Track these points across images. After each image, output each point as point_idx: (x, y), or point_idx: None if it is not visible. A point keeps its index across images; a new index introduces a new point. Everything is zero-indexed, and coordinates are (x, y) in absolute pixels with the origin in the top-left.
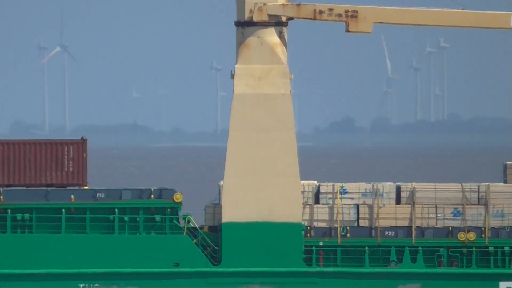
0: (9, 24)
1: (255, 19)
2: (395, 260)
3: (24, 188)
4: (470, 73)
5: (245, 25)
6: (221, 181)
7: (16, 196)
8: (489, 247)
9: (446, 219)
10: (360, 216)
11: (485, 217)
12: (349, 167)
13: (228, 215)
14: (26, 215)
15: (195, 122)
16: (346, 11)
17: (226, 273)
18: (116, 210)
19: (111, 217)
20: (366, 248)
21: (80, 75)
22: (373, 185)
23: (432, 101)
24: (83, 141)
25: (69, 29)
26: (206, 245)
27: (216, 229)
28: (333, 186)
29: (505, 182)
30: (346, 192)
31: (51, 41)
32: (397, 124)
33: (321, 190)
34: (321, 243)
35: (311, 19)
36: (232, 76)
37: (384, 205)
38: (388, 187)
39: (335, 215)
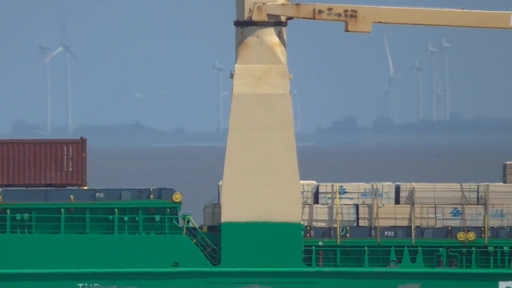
0: (11, 24)
1: (254, 18)
2: (395, 260)
3: (24, 188)
4: (472, 73)
5: (245, 25)
6: (221, 181)
7: (16, 196)
8: (489, 247)
9: (446, 219)
10: (360, 216)
11: (484, 217)
12: (351, 167)
13: (228, 215)
14: (26, 215)
15: (197, 122)
16: (346, 11)
17: (225, 273)
18: (116, 210)
19: (110, 217)
20: (366, 248)
21: (82, 75)
22: (372, 185)
23: (434, 101)
24: (82, 141)
25: (71, 29)
26: (206, 245)
27: (215, 229)
28: (332, 186)
29: (505, 182)
30: (346, 192)
31: (53, 41)
32: (399, 124)
33: (320, 190)
34: (320, 243)
35: (310, 18)
36: (232, 76)
37: (383, 205)
38: (387, 187)
39: (334, 215)
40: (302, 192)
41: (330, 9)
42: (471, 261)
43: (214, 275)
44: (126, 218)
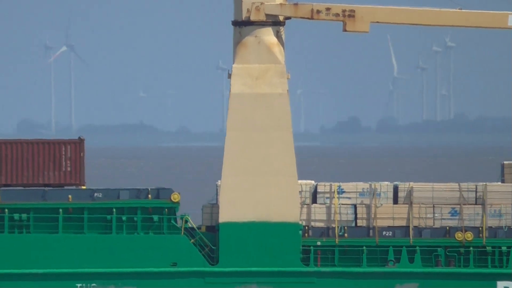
0: (15, 24)
1: (252, 18)
2: (393, 259)
3: (22, 188)
4: (477, 73)
5: (243, 25)
6: (219, 181)
7: (14, 196)
8: (487, 247)
9: (444, 219)
10: (358, 216)
11: (482, 216)
12: (351, 167)
13: (226, 215)
14: (24, 215)
15: (201, 122)
16: (344, 11)
17: (223, 273)
18: (114, 210)
19: (108, 217)
20: (364, 248)
21: (86, 75)
22: (370, 185)
23: (438, 101)
24: (80, 141)
25: (76, 28)
26: (204, 245)
27: (213, 229)
28: (331, 185)
29: (503, 181)
30: (344, 192)
31: (57, 41)
32: (403, 124)
33: (319, 189)
34: (318, 243)
35: (308, 18)
36: (230, 76)
37: (381, 205)
38: (385, 186)
39: (332, 215)
40: (300, 192)
41: (328, 9)
42: (469, 261)
43: (212, 275)
44: (124, 218)
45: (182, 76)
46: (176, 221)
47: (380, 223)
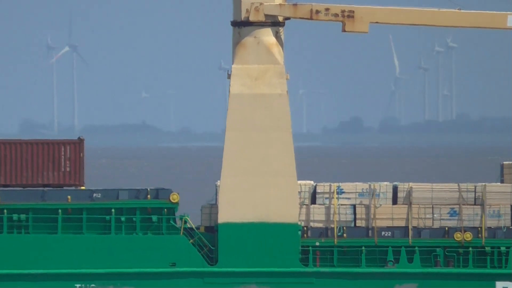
0: (18, 24)
1: (251, 19)
2: (392, 260)
3: (21, 188)
4: (479, 73)
5: (242, 25)
6: (218, 181)
7: (13, 196)
8: (486, 247)
9: (443, 219)
10: (357, 216)
11: (481, 217)
12: (352, 167)
13: (225, 215)
14: (23, 216)
15: (203, 122)
16: (343, 11)
17: (222, 273)
18: (113, 210)
19: (107, 217)
20: (363, 248)
21: (88, 75)
22: (369, 185)
23: (440, 101)
24: (80, 141)
25: (78, 29)
26: (203, 245)
27: (212, 229)
28: (330, 186)
29: (502, 182)
30: (343, 192)
31: (59, 41)
32: (405, 124)
33: (318, 190)
34: (317, 243)
35: (307, 19)
36: (229, 76)
37: (380, 205)
38: (384, 187)
39: (331, 215)
40: (300, 192)
41: (327, 9)
42: (468, 261)
43: (211, 275)
44: (123, 219)
45: (184, 76)
46: (175, 222)
47: (379, 223)
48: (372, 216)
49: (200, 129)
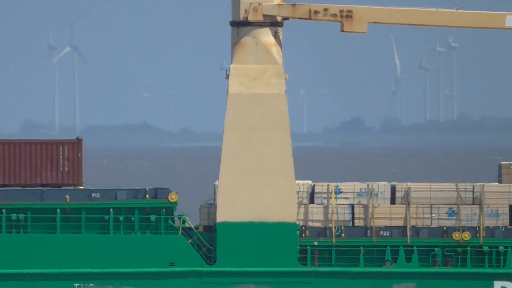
0: (19, 24)
1: (250, 19)
2: (390, 259)
3: (19, 188)
4: (480, 73)
5: (240, 25)
6: (217, 181)
7: (11, 196)
8: (484, 247)
9: (441, 219)
10: (355, 216)
11: (479, 217)
12: (355, 167)
13: (223, 215)
14: (21, 215)
15: (204, 122)
16: (341, 11)
17: (221, 273)
18: (111, 210)
19: (106, 217)
20: (361, 247)
21: (90, 75)
22: (368, 185)
23: (441, 101)
24: (78, 141)
25: (79, 29)
26: (201, 244)
27: (211, 229)
28: (328, 186)
29: (500, 182)
30: (341, 192)
31: (61, 41)
32: (406, 124)
33: (316, 190)
34: (316, 243)
35: (306, 19)
36: (227, 76)
37: (379, 205)
38: (383, 186)
39: (330, 215)
40: (298, 192)
41: (326, 9)
42: (466, 261)
43: (210, 275)
44: (121, 218)
45: (185, 76)
46: (173, 221)
47: (377, 223)
48: (370, 216)
49: (201, 129)
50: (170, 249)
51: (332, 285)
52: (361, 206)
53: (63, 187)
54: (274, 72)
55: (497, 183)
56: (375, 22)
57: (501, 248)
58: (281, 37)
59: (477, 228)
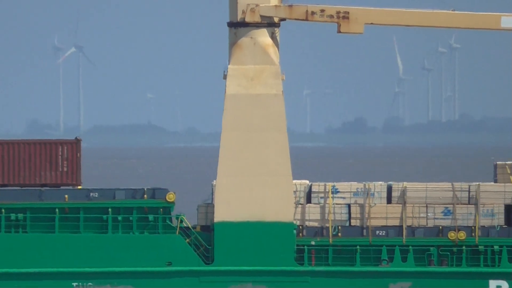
0: (25, 25)
1: (247, 20)
2: (386, 259)
3: (18, 188)
4: (482, 74)
5: (238, 26)
6: (214, 181)
7: (10, 195)
8: (479, 246)
9: (437, 218)
10: (352, 215)
11: (475, 216)
12: (356, 167)
13: (221, 214)
14: (20, 215)
15: (209, 122)
16: (338, 12)
17: (218, 272)
18: (110, 209)
19: (104, 216)
20: (358, 247)
21: (94, 76)
22: (364, 185)
23: (443, 102)
24: (77, 141)
25: (84, 30)
26: (199, 244)
27: (208, 229)
28: (325, 185)
29: (496, 181)
30: (338, 192)
31: (66, 42)
32: (409, 125)
33: (313, 189)
34: (312, 243)
35: (303, 20)
36: (225, 77)
37: (375, 204)
38: (379, 186)
39: (326, 215)
40: (295, 192)
41: (322, 10)
42: (461, 260)
43: (207, 274)
44: (120, 218)
45: (190, 76)
46: (171, 221)
47: (373, 222)
48: (366, 216)
49: (206, 129)
50: (168, 249)
51: (328, 285)
52: (357, 205)
53: (62, 187)
54: (271, 72)
55: (493, 183)
56: (372, 23)
57: (496, 247)
58: (278, 37)
59: (473, 227)
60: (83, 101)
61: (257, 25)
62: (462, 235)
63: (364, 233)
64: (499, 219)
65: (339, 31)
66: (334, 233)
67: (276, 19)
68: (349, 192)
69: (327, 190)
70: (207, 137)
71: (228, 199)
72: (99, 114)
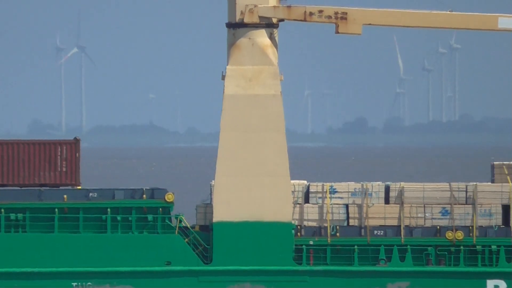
0: (27, 25)
1: (246, 20)
2: (384, 258)
3: (18, 188)
4: (482, 74)
5: (236, 27)
6: (213, 181)
7: (10, 196)
8: (477, 246)
9: (434, 218)
10: (350, 215)
11: (472, 216)
12: (356, 167)
13: (219, 214)
14: (20, 215)
15: (209, 122)
16: (336, 13)
17: (217, 272)
18: (109, 209)
19: (103, 216)
20: (356, 247)
21: (96, 76)
22: (362, 185)
23: (444, 102)
24: (76, 141)
25: (87, 30)
26: (198, 244)
27: (207, 229)
28: (323, 185)
29: (493, 181)
30: (336, 192)
31: (68, 42)
32: (409, 125)
33: (311, 189)
34: (311, 242)
35: (301, 20)
36: (223, 77)
37: (373, 204)
38: (377, 186)
39: (324, 215)
40: (293, 192)
41: (320, 11)
42: (459, 260)
43: (206, 274)
44: (119, 218)
45: (191, 77)
46: (170, 221)
47: (371, 222)
48: (364, 215)
49: (207, 130)
50: (167, 248)
51: (327, 284)
52: (355, 205)
53: (61, 187)
54: (270, 73)
55: (490, 183)
56: (370, 24)
57: (493, 247)
58: (276, 38)
59: (470, 227)
60: (85, 101)
61: (255, 26)
62: (459, 235)
63: (362, 233)
64: (497, 219)
65: (337, 32)
66: (332, 233)
67: (274, 20)
68: (347, 192)
69: (325, 190)
70: (207, 137)
71: (227, 199)
72: (100, 114)
